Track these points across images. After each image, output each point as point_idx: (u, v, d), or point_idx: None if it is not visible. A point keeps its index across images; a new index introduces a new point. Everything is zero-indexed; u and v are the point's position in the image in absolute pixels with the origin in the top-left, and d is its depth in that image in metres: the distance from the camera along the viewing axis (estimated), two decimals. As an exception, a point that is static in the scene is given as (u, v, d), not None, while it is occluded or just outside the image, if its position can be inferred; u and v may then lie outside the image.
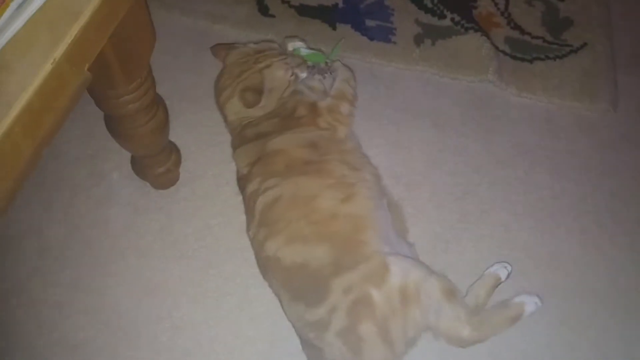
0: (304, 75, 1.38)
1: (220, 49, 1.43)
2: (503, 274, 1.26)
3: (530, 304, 1.19)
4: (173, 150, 1.39)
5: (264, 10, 1.72)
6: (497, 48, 1.67)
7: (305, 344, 1.15)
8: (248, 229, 1.23)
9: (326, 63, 1.43)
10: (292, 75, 1.35)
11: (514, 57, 1.67)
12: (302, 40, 1.46)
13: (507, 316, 1.18)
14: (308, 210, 1.15)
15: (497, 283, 1.25)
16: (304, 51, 1.44)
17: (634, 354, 1.28)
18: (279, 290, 1.16)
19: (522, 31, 1.73)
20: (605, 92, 1.62)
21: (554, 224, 1.44)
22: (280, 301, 1.17)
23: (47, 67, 0.71)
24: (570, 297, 1.34)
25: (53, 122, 0.77)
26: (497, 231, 1.41)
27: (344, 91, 1.37)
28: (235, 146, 1.34)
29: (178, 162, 1.41)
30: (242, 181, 1.28)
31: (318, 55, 1.43)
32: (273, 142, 1.26)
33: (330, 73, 1.42)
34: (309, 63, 1.41)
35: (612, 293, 1.35)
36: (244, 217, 1.34)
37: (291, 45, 1.44)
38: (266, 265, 1.17)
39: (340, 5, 1.74)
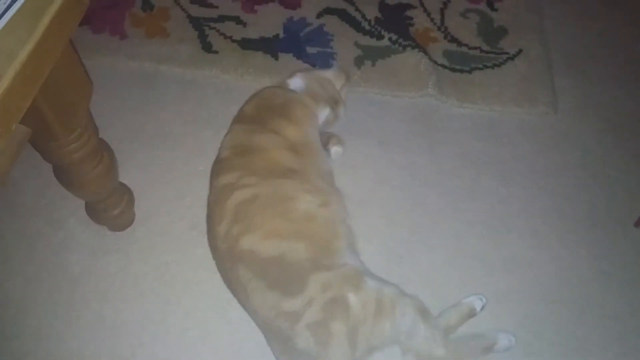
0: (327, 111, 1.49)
1: None
2: (478, 306, 1.29)
3: (504, 339, 1.24)
4: (125, 192, 1.41)
5: (207, 47, 1.76)
6: (435, 62, 1.73)
7: (273, 337, 1.16)
8: (216, 224, 1.22)
9: None
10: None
11: (453, 70, 1.72)
12: None
13: (480, 345, 1.23)
14: (285, 209, 1.19)
15: (471, 313, 1.28)
16: None
17: (591, 350, 1.31)
18: (249, 282, 1.15)
19: (459, 43, 1.79)
20: (543, 95, 1.68)
21: (504, 229, 1.47)
22: (247, 295, 1.15)
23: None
24: (526, 300, 1.36)
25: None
26: (449, 241, 1.44)
27: None
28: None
29: (131, 203, 1.43)
30: (218, 166, 1.32)
31: None
32: (259, 139, 1.31)
33: None
34: None
35: (565, 291, 1.38)
36: (199, 251, 1.37)
37: None
38: (240, 257, 1.17)
39: (281, 35, 1.79)
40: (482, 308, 1.29)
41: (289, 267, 1.13)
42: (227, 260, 1.21)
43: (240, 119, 1.41)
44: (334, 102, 1.48)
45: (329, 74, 1.53)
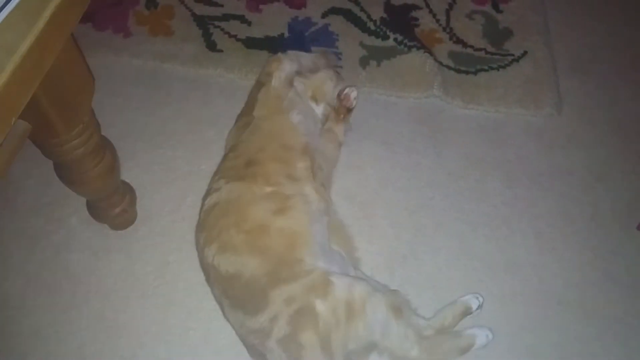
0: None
1: None
2: (474, 304, 1.27)
3: (481, 336, 1.22)
4: (127, 191, 1.40)
5: (211, 45, 1.75)
6: (440, 63, 1.72)
7: (252, 350, 1.16)
8: (197, 231, 1.25)
9: None
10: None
11: (458, 71, 1.71)
12: None
13: (457, 345, 1.21)
14: (239, 219, 1.16)
15: (467, 312, 1.27)
16: None
17: (595, 352, 1.30)
18: (220, 298, 1.17)
19: (465, 44, 1.78)
20: (548, 97, 1.67)
21: (508, 230, 1.46)
22: (221, 308, 1.18)
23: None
24: (530, 302, 1.36)
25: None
26: (453, 242, 1.43)
27: None
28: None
29: (133, 202, 1.42)
30: None
31: None
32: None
33: None
34: None
35: (569, 293, 1.37)
36: (201, 251, 1.37)
37: None
38: (208, 272, 1.19)
39: (286, 34, 1.78)
40: (479, 307, 1.28)
41: (247, 285, 1.11)
42: (204, 272, 1.22)
43: None
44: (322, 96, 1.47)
45: (319, 75, 1.50)
